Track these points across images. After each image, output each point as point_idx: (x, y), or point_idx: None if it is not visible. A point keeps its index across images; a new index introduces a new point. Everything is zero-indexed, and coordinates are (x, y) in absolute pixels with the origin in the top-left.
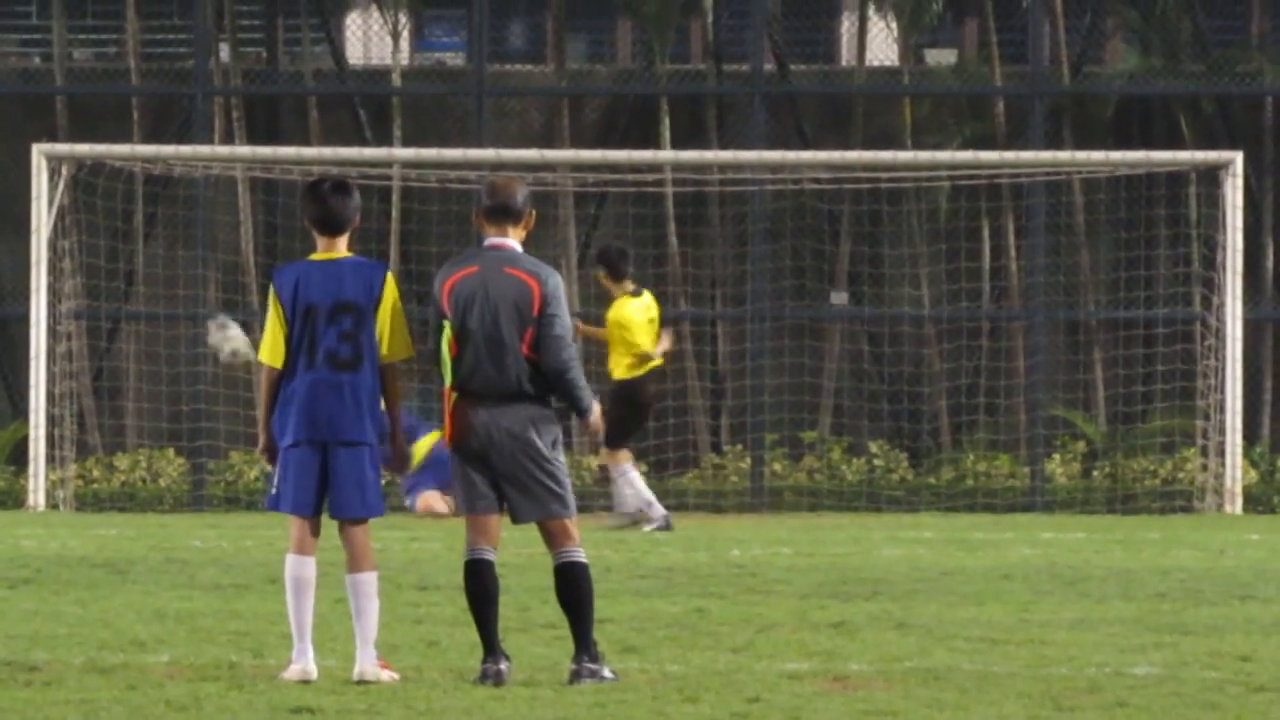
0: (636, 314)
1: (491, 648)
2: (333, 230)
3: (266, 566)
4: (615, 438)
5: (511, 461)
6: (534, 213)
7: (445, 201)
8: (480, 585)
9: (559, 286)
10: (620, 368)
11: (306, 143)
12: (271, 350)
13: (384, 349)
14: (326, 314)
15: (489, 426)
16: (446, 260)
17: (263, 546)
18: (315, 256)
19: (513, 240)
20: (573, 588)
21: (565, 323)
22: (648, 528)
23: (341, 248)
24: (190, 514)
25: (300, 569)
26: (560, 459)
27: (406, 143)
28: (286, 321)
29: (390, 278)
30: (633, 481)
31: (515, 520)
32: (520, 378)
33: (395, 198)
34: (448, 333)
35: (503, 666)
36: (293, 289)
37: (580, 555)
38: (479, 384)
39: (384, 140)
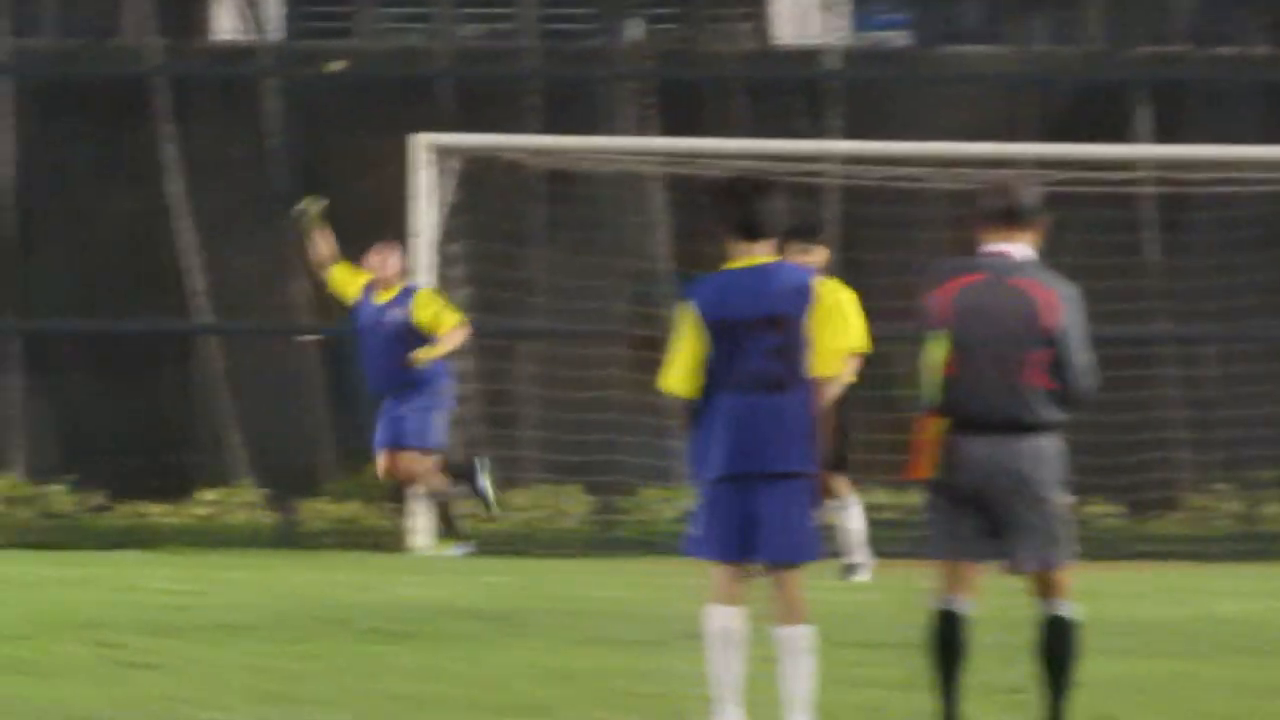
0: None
1: (950, 716)
2: (753, 235)
3: (686, 620)
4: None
5: (1012, 503)
6: (1046, 219)
7: (888, 202)
8: (947, 641)
9: (1078, 302)
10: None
11: (729, 134)
12: (680, 376)
13: (817, 364)
14: (750, 329)
15: (987, 461)
16: (942, 267)
17: (682, 596)
18: (734, 265)
19: (1018, 248)
20: (1059, 644)
21: (1086, 346)
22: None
23: (763, 254)
24: (597, 559)
25: (724, 622)
26: (1065, 500)
27: (844, 135)
28: (706, 340)
29: (823, 283)
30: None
31: (1013, 570)
32: (1027, 406)
33: (832, 198)
34: (939, 347)
35: None
36: (712, 303)
37: (1072, 610)
38: (978, 410)
39: (818, 132)
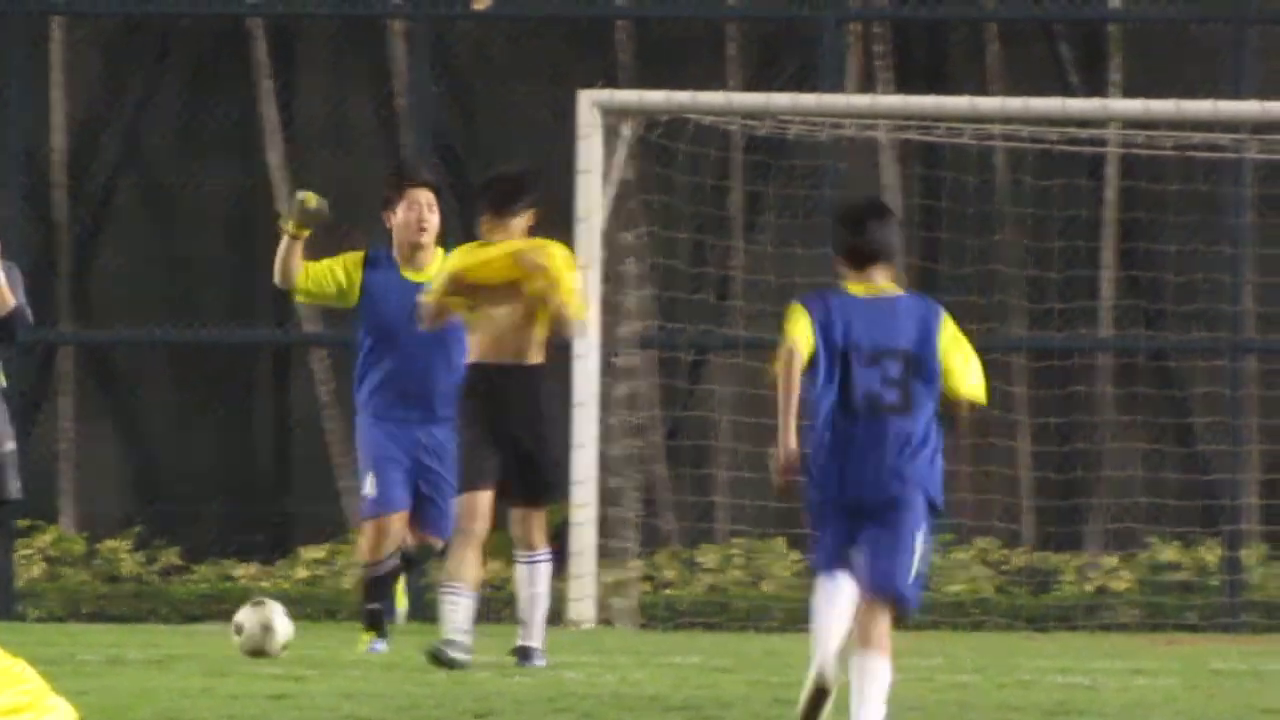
0: None
1: None
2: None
3: (920, 712)
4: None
5: None
6: None
7: (1187, 177)
8: None
9: None
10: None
11: (983, 90)
12: None
13: None
14: None
15: None
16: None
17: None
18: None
19: None
20: None
21: None
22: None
23: None
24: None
25: None
26: None
27: (1129, 91)
28: None
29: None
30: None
31: None
32: None
33: (1112, 171)
34: None
35: None
36: None
37: None
38: None
39: (1096, 88)
